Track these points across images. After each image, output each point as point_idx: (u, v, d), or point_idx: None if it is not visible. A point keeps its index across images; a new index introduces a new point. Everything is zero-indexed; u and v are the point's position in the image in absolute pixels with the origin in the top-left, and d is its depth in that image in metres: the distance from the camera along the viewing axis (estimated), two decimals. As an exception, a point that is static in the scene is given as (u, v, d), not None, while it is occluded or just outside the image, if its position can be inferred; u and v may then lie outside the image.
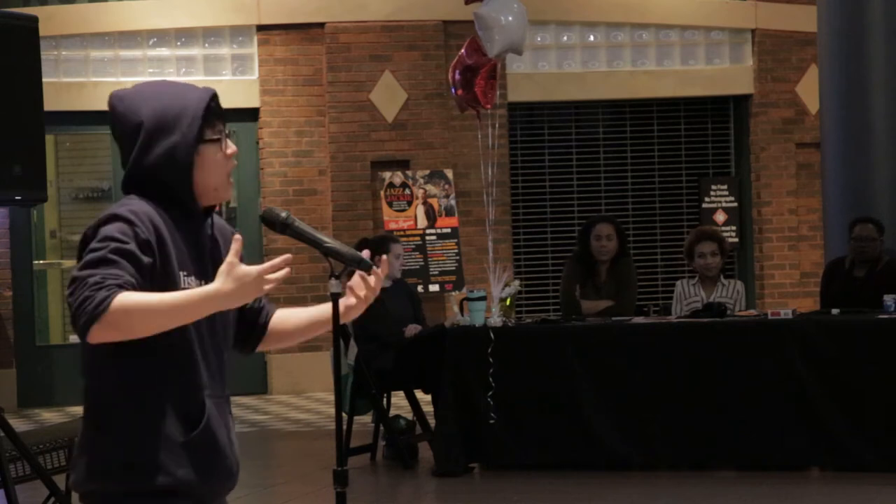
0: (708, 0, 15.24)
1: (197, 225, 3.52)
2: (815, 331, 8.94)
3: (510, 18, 10.30)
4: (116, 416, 3.38)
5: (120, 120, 3.50)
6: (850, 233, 10.00)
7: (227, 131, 3.55)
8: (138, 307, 3.22)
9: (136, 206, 3.41)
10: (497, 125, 11.03)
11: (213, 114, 3.50)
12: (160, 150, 3.44)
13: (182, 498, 3.40)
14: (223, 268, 3.27)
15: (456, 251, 14.13)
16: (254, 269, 3.27)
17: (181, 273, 3.42)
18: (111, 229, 3.34)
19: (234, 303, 3.32)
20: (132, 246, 3.31)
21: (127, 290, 3.24)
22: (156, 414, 3.37)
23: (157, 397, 3.38)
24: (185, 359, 3.41)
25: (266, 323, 3.77)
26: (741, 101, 15.42)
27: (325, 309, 3.73)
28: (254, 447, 10.91)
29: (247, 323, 3.73)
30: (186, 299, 3.27)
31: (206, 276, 3.46)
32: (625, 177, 15.36)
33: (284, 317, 3.80)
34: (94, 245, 3.33)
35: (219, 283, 3.27)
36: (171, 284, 3.37)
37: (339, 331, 3.84)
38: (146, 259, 3.33)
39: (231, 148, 3.53)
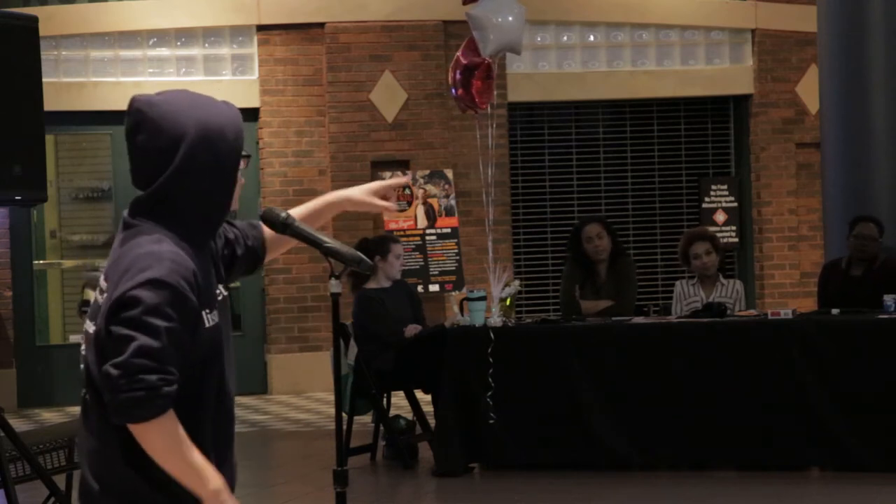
0: (708, 0, 15.24)
1: (209, 251, 3.36)
2: (815, 331, 8.94)
3: (508, 18, 10.29)
4: (129, 438, 3.18)
5: (152, 128, 3.21)
6: (850, 230, 10.00)
7: None
8: (172, 442, 3.13)
9: (171, 255, 3.17)
10: (497, 125, 11.05)
11: None
12: (207, 163, 3.22)
13: None
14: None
15: (456, 251, 14.13)
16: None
17: (204, 312, 3.24)
18: (160, 300, 3.12)
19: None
20: (180, 328, 3.13)
21: (172, 395, 3.11)
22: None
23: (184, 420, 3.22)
24: (217, 387, 3.29)
25: (260, 237, 3.69)
26: (741, 101, 15.42)
27: (318, 202, 3.83)
28: (254, 447, 10.91)
29: (247, 252, 3.63)
30: (198, 473, 3.15)
31: (214, 301, 3.31)
32: (625, 177, 15.36)
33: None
34: (144, 318, 3.09)
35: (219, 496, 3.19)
36: (197, 325, 3.21)
37: (339, 331, 3.85)
38: (188, 334, 3.17)
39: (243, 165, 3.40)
